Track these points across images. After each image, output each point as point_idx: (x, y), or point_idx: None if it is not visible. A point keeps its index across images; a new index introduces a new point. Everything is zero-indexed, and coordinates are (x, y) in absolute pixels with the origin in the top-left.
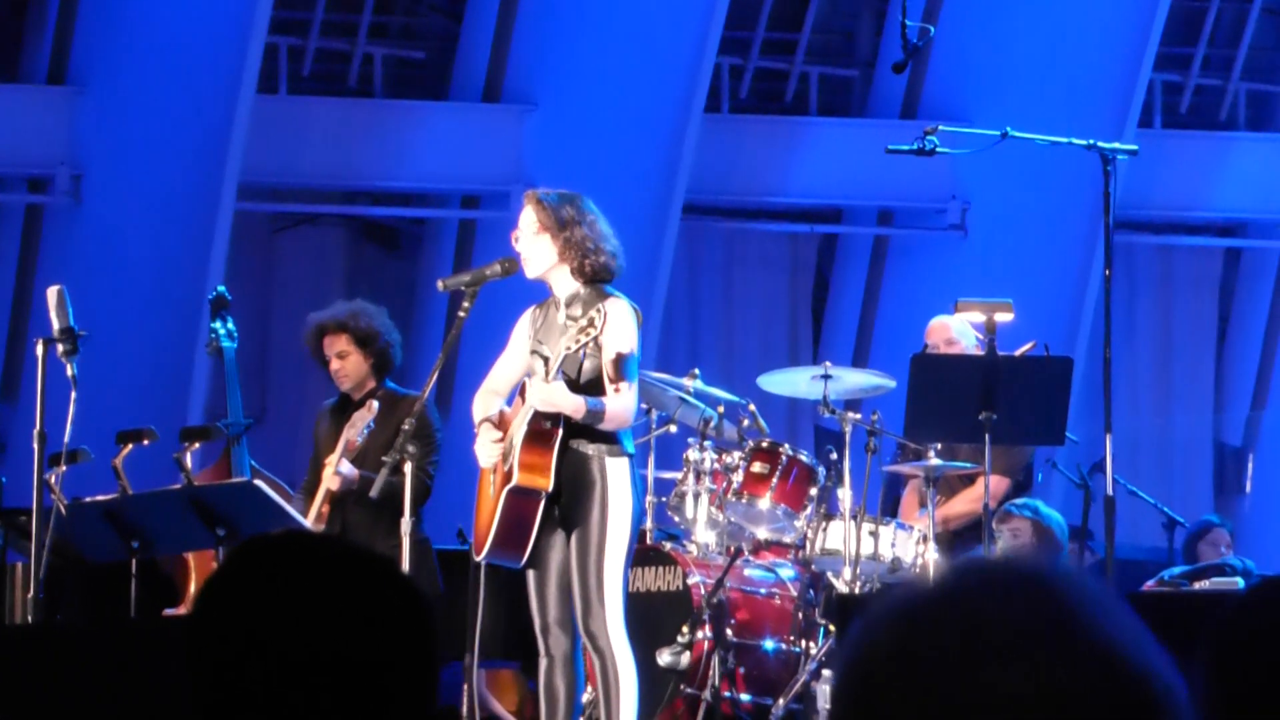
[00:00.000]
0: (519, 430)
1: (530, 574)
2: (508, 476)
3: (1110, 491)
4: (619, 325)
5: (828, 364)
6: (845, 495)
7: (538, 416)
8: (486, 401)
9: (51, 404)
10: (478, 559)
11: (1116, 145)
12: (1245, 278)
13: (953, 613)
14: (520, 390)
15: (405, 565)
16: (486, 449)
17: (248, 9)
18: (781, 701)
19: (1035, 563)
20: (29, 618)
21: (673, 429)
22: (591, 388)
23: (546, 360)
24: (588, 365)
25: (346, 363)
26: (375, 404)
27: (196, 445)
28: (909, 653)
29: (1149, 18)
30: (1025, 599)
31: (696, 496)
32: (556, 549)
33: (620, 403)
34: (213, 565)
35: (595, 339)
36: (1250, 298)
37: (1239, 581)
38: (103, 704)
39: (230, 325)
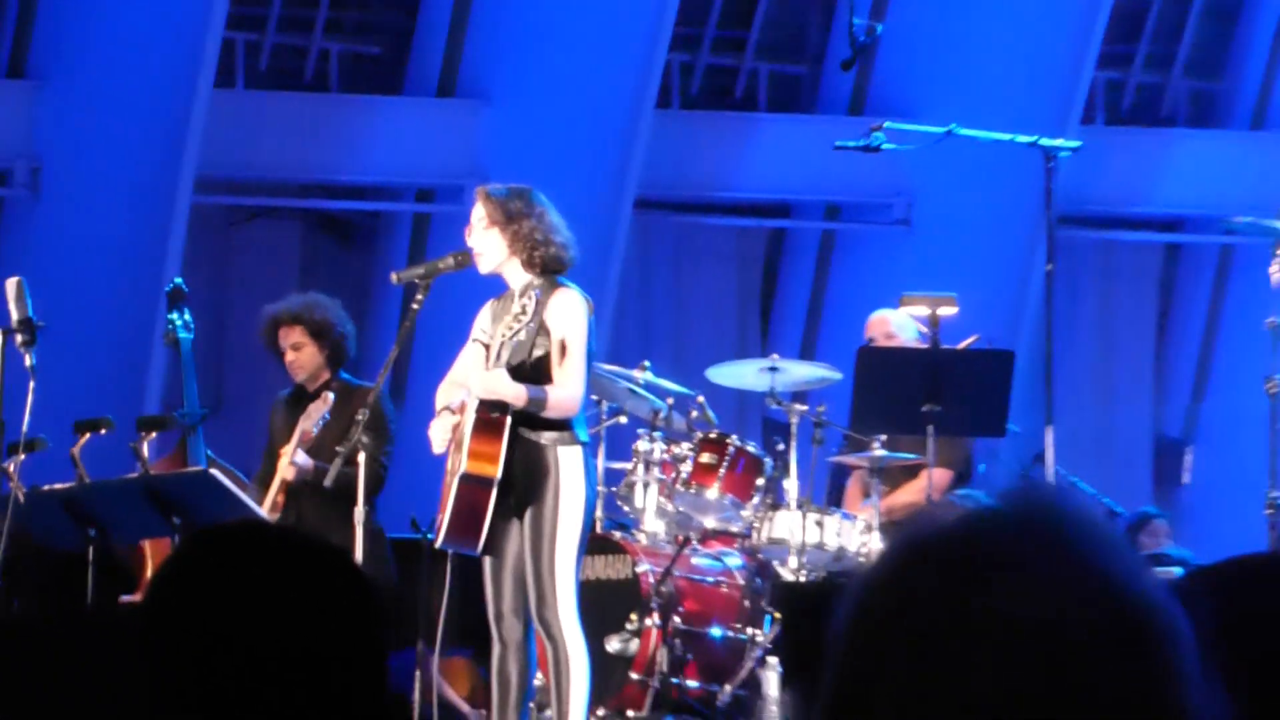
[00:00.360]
0: (469, 419)
1: (485, 561)
2: (460, 465)
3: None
4: (567, 314)
5: (775, 356)
6: (791, 486)
7: (484, 405)
8: (449, 391)
9: (9, 394)
10: (436, 546)
11: (1059, 142)
12: (1185, 272)
13: (953, 542)
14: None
15: (358, 555)
16: (439, 433)
17: (205, 5)
18: (728, 688)
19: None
20: None
21: (623, 420)
22: (540, 376)
23: (489, 349)
24: (537, 353)
25: (301, 354)
26: (330, 395)
27: (153, 435)
28: (908, 583)
29: (1092, 16)
30: (1027, 527)
31: (646, 486)
32: (511, 537)
33: (565, 391)
34: (168, 552)
35: (529, 326)
36: (1190, 292)
37: (1177, 571)
38: (59, 692)
39: (187, 317)
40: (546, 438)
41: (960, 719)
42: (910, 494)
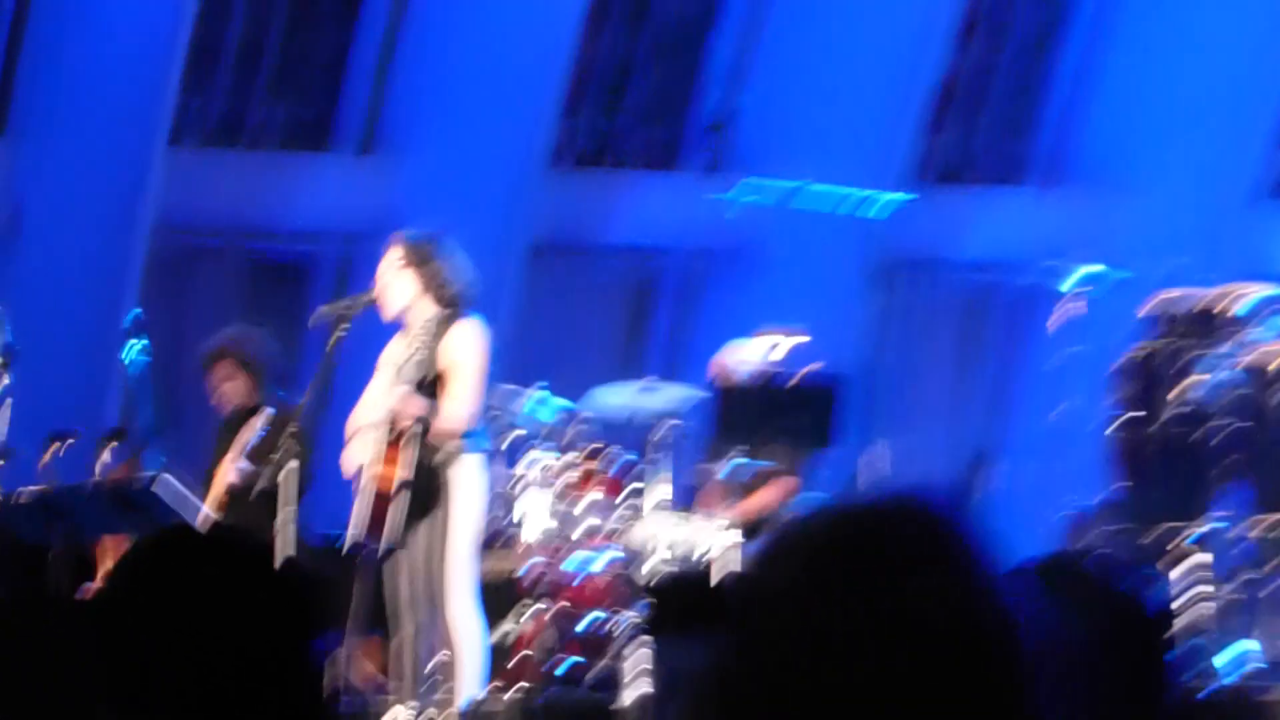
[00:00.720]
0: (379, 433)
1: (391, 558)
2: (371, 473)
3: None
4: (465, 342)
5: (650, 379)
6: (661, 490)
7: (391, 419)
8: (361, 417)
9: None
10: (350, 546)
11: (887, 195)
12: (994, 310)
13: (841, 542)
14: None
15: (288, 551)
16: (352, 458)
17: (162, 74)
18: (603, 662)
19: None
20: None
21: (520, 432)
22: (438, 395)
23: (396, 371)
24: (435, 374)
25: (232, 384)
26: (269, 410)
27: (114, 444)
28: (786, 577)
29: (912, 85)
30: (913, 528)
31: (536, 490)
32: (417, 535)
33: (460, 409)
34: (123, 548)
35: (431, 352)
36: (997, 328)
37: None
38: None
39: (145, 342)
40: (448, 448)
41: (826, 699)
42: (761, 499)
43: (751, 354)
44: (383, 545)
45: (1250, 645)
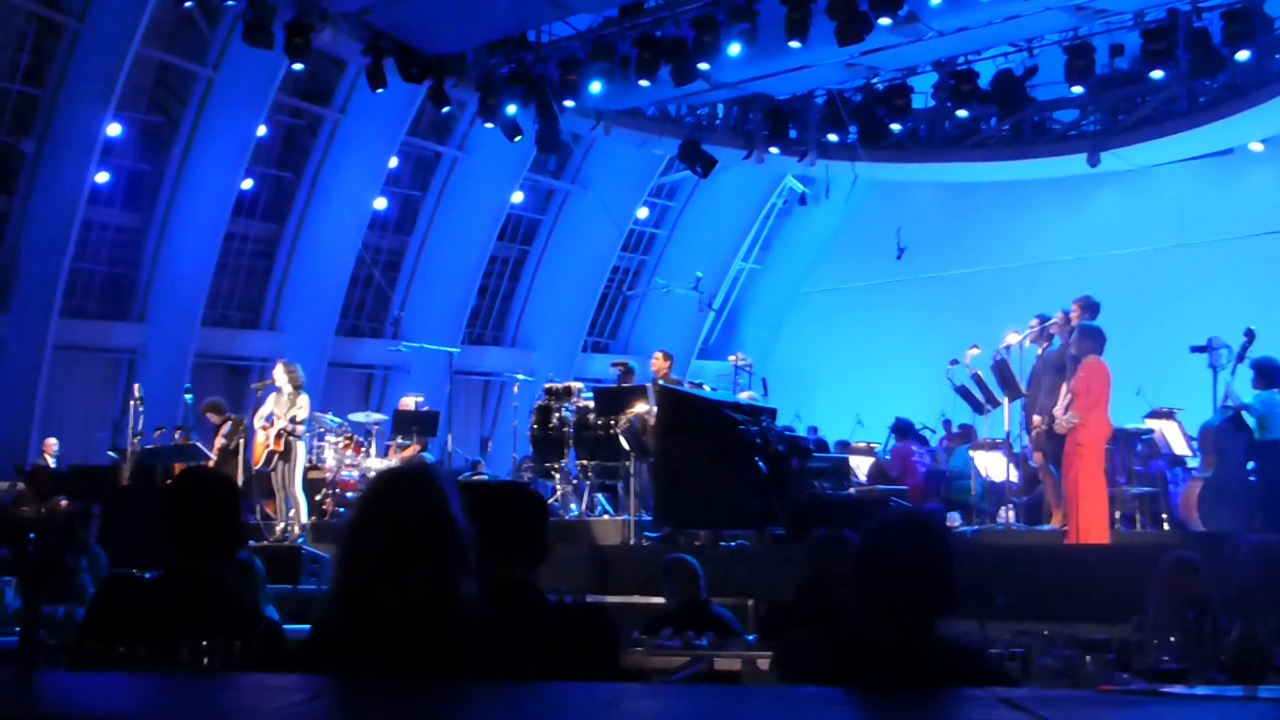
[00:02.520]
0: (269, 427)
1: (272, 474)
2: (264, 441)
3: None
4: (303, 400)
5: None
6: (375, 450)
7: (273, 423)
8: (259, 420)
9: None
10: (258, 469)
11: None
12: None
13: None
14: (269, 422)
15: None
16: (258, 439)
17: None
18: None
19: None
20: None
21: (322, 429)
22: (294, 419)
23: (277, 407)
24: (300, 415)
25: (213, 414)
26: (233, 417)
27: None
28: (378, 499)
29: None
30: (418, 493)
31: (330, 448)
32: (280, 466)
33: (300, 423)
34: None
35: (294, 402)
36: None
37: None
38: None
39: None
40: (294, 434)
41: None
42: (406, 453)
43: (405, 403)
44: (269, 469)
45: None
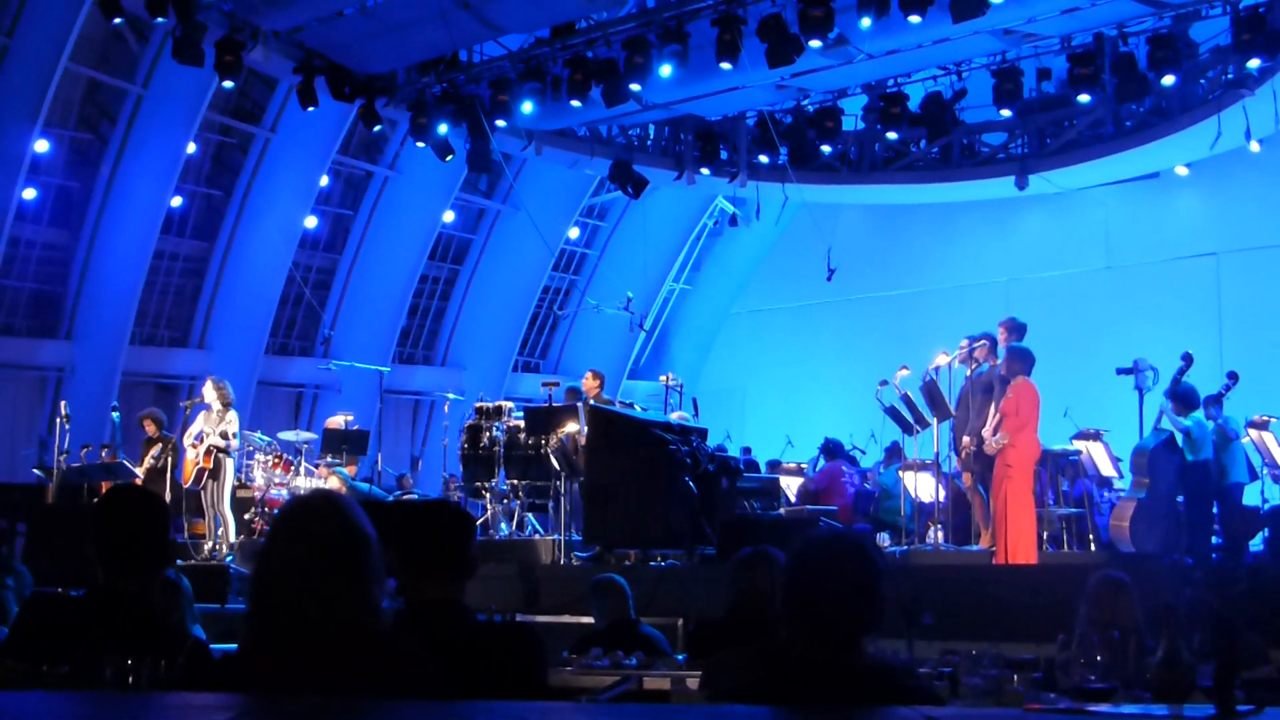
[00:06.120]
0: (198, 445)
1: (202, 492)
2: (193, 459)
3: None
4: (231, 417)
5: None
6: (305, 469)
7: (211, 449)
8: (188, 439)
9: None
10: (188, 487)
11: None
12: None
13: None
14: (199, 440)
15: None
16: (188, 455)
17: None
18: None
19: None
20: None
21: (252, 446)
22: (224, 435)
23: (206, 425)
24: (224, 429)
25: (150, 425)
26: (166, 435)
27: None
28: (294, 516)
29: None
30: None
31: (259, 467)
32: (209, 484)
33: (229, 440)
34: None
35: (222, 419)
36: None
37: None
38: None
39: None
40: (223, 451)
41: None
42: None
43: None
44: (198, 487)
45: None
